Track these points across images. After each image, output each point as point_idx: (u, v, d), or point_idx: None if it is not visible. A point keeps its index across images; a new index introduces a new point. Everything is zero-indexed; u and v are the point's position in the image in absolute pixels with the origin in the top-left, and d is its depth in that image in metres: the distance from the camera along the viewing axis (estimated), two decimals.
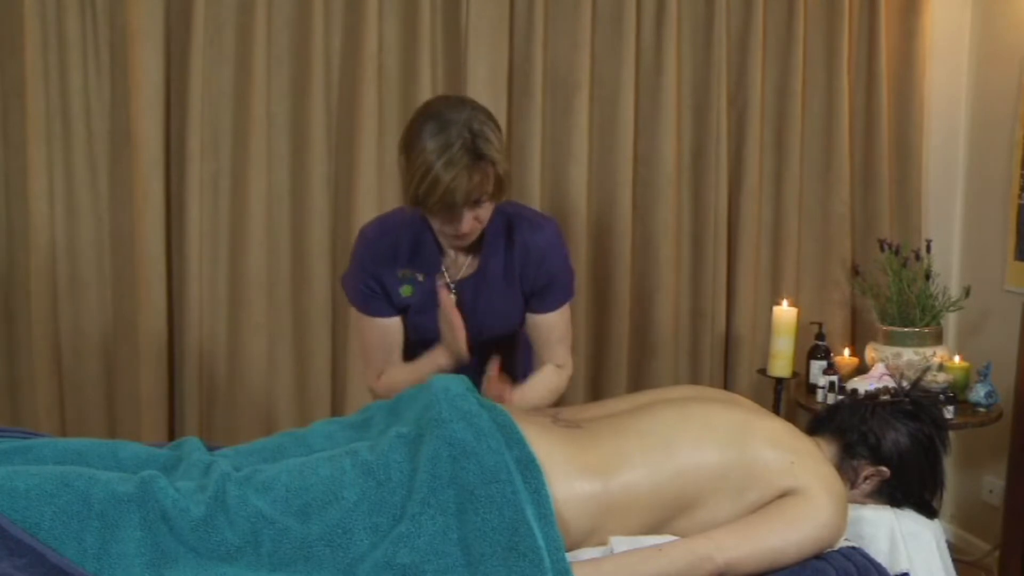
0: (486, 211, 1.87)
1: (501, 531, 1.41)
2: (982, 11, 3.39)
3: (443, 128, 1.78)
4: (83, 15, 2.76)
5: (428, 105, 1.90)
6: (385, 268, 1.99)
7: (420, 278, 2.00)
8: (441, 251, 2.00)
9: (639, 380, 3.24)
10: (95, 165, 2.81)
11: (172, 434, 2.91)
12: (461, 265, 2.02)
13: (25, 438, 1.66)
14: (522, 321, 2.08)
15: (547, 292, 2.05)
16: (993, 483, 3.31)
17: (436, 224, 1.90)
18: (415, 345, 2.08)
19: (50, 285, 2.80)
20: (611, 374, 3.21)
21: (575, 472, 1.55)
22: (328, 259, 2.98)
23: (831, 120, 3.33)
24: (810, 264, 3.41)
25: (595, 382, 3.24)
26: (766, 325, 3.14)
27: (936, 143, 3.48)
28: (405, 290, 2.00)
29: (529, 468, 1.48)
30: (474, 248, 2.00)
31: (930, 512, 1.82)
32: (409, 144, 1.83)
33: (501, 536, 1.41)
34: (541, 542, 1.41)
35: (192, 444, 1.65)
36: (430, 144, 1.77)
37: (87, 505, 1.39)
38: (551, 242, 2.03)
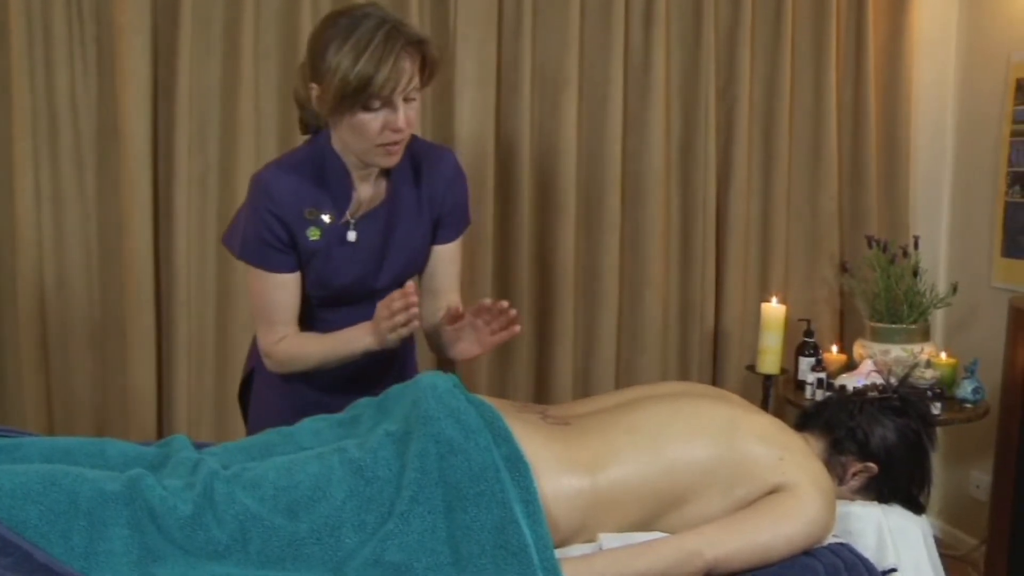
0: (414, 110, 1.80)
1: (489, 529, 1.41)
2: (969, 8, 3.40)
3: (356, 25, 1.72)
4: (69, 10, 2.74)
5: (328, 16, 1.81)
6: (290, 210, 1.84)
7: (326, 219, 1.87)
8: (351, 183, 1.90)
9: (628, 376, 3.24)
10: (82, 162, 2.80)
11: (160, 432, 2.90)
12: (366, 200, 1.92)
13: (12, 436, 1.65)
14: (426, 259, 2.02)
15: (452, 218, 2.01)
16: (980, 478, 3.32)
17: (363, 141, 1.79)
18: (322, 302, 1.96)
19: (37, 283, 2.78)
20: (600, 370, 3.21)
21: (564, 468, 1.55)
22: None
23: (819, 117, 3.33)
24: (798, 261, 3.41)
25: (584, 378, 3.23)
26: (754, 322, 3.14)
27: (923, 140, 3.49)
28: (312, 233, 1.86)
29: (517, 466, 1.48)
30: (382, 180, 1.93)
31: (918, 508, 1.83)
32: (319, 54, 1.73)
33: (489, 534, 1.41)
34: (529, 540, 1.41)
35: (180, 442, 1.64)
36: (350, 41, 1.70)
37: (74, 503, 1.38)
38: (455, 167, 2.01)
